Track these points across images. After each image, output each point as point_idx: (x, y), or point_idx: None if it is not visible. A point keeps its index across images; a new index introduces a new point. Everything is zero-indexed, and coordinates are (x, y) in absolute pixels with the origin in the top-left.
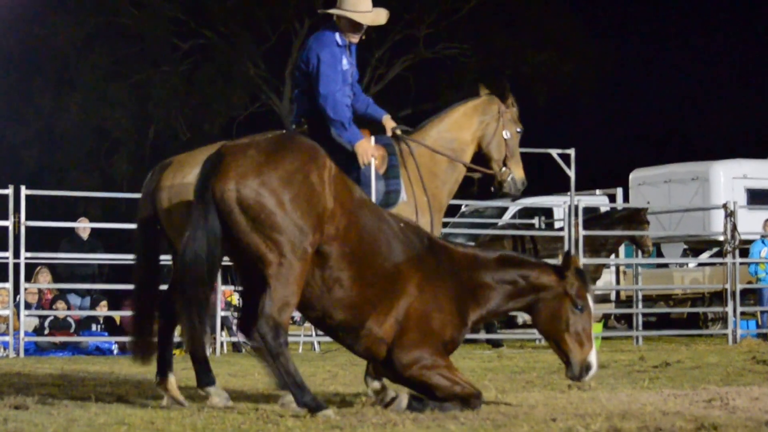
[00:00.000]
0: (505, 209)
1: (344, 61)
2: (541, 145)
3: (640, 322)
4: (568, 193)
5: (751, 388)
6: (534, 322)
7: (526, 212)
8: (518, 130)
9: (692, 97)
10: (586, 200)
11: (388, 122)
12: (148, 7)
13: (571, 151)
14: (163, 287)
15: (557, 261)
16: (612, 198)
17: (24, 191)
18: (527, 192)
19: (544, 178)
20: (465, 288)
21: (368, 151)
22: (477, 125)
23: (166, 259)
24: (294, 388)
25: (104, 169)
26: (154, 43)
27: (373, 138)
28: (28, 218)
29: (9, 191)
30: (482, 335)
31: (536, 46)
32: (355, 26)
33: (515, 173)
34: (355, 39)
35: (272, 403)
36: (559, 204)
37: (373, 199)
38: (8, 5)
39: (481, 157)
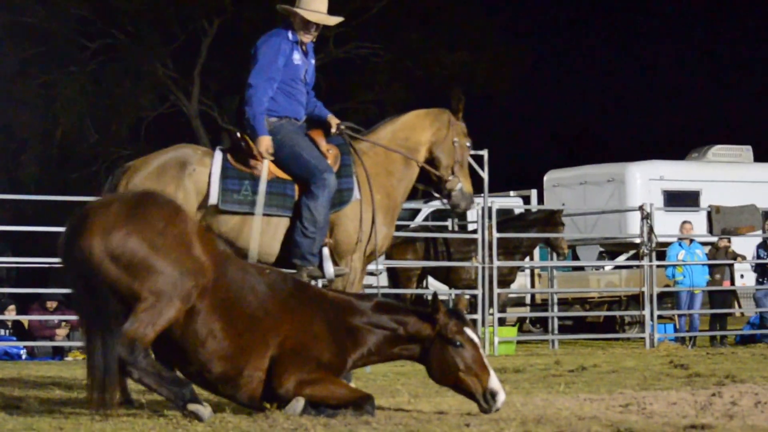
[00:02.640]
0: (417, 211)
1: (295, 56)
2: None
3: (556, 326)
4: (482, 195)
5: (668, 392)
6: (430, 376)
7: (439, 214)
8: (467, 143)
9: (606, 98)
10: (499, 202)
11: (333, 119)
12: (55, 5)
13: (485, 153)
14: None
15: (471, 264)
16: (526, 200)
17: None
18: None
19: None
20: (340, 329)
21: (264, 145)
22: (429, 127)
23: None
24: (168, 384)
25: (11, 171)
26: (62, 42)
27: (324, 139)
28: None
29: None
30: None
31: (450, 46)
32: (305, 24)
33: (464, 185)
34: (306, 38)
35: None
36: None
37: (260, 193)
38: None
39: (431, 162)
